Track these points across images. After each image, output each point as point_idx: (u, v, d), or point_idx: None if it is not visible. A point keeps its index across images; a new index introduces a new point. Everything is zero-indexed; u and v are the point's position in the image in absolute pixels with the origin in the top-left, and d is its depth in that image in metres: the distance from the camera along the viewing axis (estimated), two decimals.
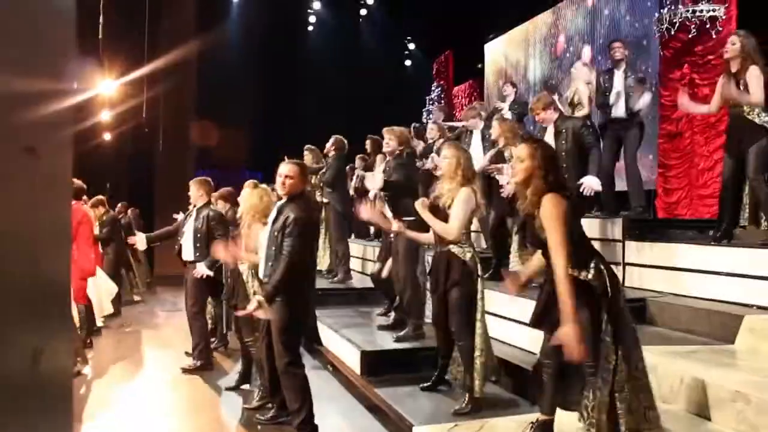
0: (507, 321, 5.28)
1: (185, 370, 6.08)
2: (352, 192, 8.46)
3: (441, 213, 4.27)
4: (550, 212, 2.99)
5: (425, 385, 4.60)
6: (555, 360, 3.20)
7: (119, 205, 12.41)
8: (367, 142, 8.73)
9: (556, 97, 6.69)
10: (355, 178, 8.97)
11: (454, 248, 4.25)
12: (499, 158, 6.04)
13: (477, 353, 4.18)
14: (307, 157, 8.50)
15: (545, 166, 3.11)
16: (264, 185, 5.42)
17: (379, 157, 8.71)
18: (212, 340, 6.99)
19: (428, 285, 4.53)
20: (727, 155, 5.27)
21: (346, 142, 8.11)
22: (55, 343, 0.84)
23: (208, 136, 15.02)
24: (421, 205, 4.30)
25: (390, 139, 5.74)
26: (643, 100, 6.34)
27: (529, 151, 3.15)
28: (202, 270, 5.99)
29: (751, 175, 5.01)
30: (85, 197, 7.93)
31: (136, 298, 11.40)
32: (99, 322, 8.00)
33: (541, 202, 3.02)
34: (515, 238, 5.77)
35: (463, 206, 4.24)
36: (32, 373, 0.78)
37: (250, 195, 5.08)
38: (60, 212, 0.91)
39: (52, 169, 0.93)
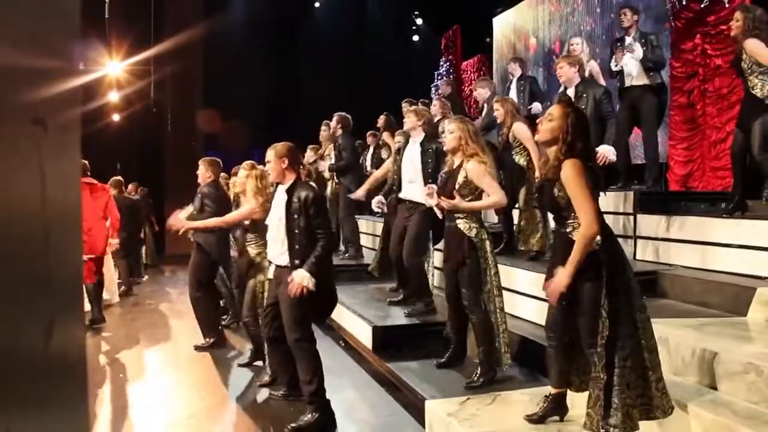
0: (517, 294, 5.29)
1: (198, 348, 6.15)
2: (369, 168, 8.46)
3: (448, 190, 4.26)
4: (572, 174, 2.98)
5: (440, 361, 4.61)
6: (558, 332, 3.22)
7: (130, 185, 12.48)
8: (381, 118, 8.70)
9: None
10: (369, 156, 8.97)
11: (460, 224, 4.24)
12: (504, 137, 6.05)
13: (502, 328, 4.21)
14: (308, 154, 8.59)
15: (574, 131, 3.07)
16: (261, 166, 5.43)
17: (386, 135, 8.69)
18: (224, 317, 7.06)
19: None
20: (738, 128, 5.25)
21: (350, 118, 8.04)
22: (68, 318, 0.85)
23: (215, 122, 15.00)
24: (436, 196, 4.26)
25: (407, 116, 5.79)
26: (625, 59, 6.30)
27: (562, 111, 3.12)
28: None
29: (756, 151, 4.98)
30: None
31: (144, 278, 11.46)
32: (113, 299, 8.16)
33: (562, 167, 3.01)
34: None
35: (488, 178, 4.24)
36: (46, 348, 0.79)
37: (250, 177, 5.11)
38: (69, 188, 0.91)
39: (61, 145, 0.93)
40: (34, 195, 0.82)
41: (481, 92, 7.34)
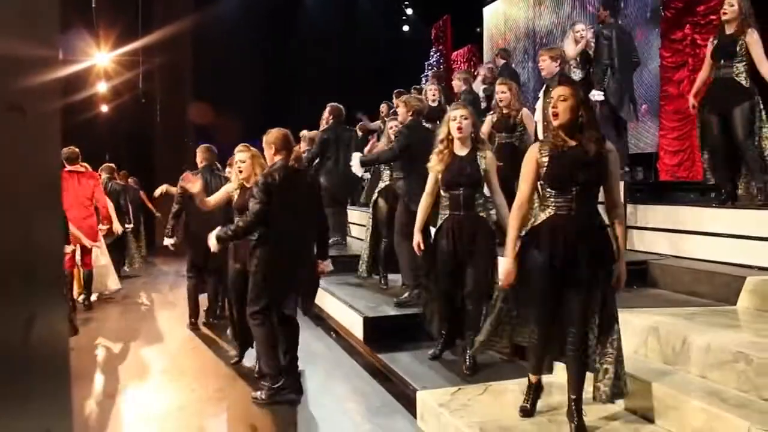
0: None
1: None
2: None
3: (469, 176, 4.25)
4: (616, 161, 3.23)
5: (432, 353, 4.59)
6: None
7: (120, 174, 12.37)
8: (382, 106, 8.68)
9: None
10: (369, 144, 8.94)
11: (482, 212, 4.21)
12: (501, 122, 6.03)
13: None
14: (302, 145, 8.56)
15: (587, 108, 3.26)
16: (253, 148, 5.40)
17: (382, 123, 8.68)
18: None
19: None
20: (711, 117, 5.22)
21: (342, 108, 7.99)
22: (49, 309, 0.83)
23: (205, 114, 14.92)
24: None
25: (398, 107, 5.80)
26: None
27: (571, 90, 3.20)
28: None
29: (741, 138, 5.01)
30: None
31: (126, 267, 11.29)
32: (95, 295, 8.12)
33: (612, 150, 3.18)
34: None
35: (495, 176, 4.26)
36: (26, 341, 0.77)
37: (254, 158, 5.07)
38: (50, 179, 0.89)
39: (41, 135, 0.91)
40: (13, 185, 0.80)
41: (457, 83, 7.59)
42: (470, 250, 4.15)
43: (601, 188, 3.23)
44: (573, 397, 3.16)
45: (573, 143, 3.15)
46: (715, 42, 5.21)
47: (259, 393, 4.37)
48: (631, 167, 6.54)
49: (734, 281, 4.31)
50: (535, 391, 3.44)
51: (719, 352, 3.25)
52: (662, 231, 5.49)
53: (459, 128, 4.15)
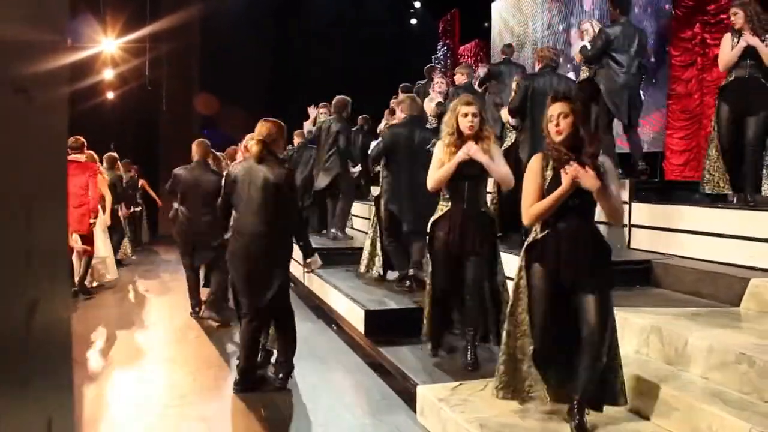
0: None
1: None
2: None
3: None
4: (611, 171, 3.24)
5: (431, 350, 4.55)
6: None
7: (121, 163, 12.38)
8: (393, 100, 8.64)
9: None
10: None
11: (485, 208, 4.28)
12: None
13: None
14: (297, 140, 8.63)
15: (585, 120, 3.30)
16: None
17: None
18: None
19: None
20: (733, 119, 5.19)
21: (349, 100, 7.97)
22: (52, 296, 0.82)
23: (211, 103, 14.92)
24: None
25: (397, 108, 6.07)
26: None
27: (570, 105, 3.22)
28: None
29: (753, 141, 5.02)
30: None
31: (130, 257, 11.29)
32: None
33: (607, 162, 3.22)
34: None
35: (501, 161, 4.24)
36: (28, 328, 0.76)
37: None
38: (54, 164, 0.88)
39: (47, 120, 0.90)
40: (19, 171, 0.79)
41: (459, 78, 7.55)
42: (471, 244, 4.12)
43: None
44: (576, 396, 3.15)
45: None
46: (736, 41, 5.12)
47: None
48: (635, 162, 6.49)
49: (738, 282, 4.29)
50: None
51: (722, 354, 3.24)
52: (666, 230, 5.47)
53: (470, 127, 4.10)
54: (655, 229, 5.60)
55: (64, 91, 0.95)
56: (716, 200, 5.44)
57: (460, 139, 4.13)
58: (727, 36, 5.20)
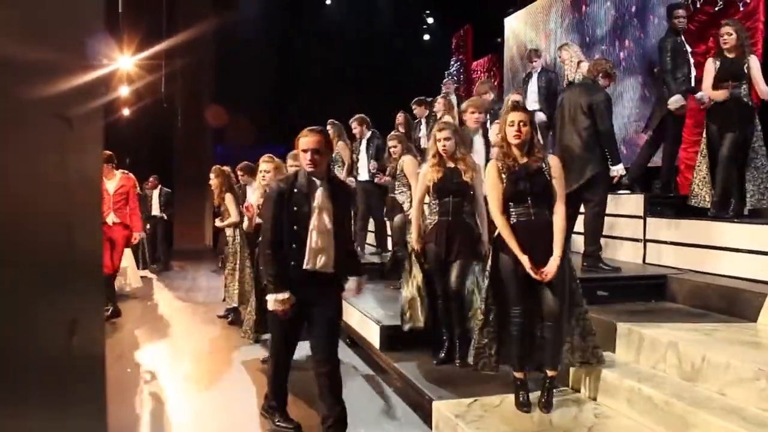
0: None
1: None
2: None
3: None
4: (561, 166, 3.77)
5: (439, 359, 4.72)
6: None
7: (152, 178, 12.52)
8: (399, 116, 8.57)
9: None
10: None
11: (468, 219, 4.63)
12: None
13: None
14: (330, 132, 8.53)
15: (536, 129, 3.91)
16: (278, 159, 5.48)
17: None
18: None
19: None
20: (729, 133, 5.44)
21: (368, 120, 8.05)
22: (89, 315, 0.84)
23: (225, 117, 15.03)
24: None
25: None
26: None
27: (527, 115, 3.76)
28: None
29: (726, 155, 5.38)
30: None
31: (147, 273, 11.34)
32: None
33: (551, 160, 3.76)
34: None
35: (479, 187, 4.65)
36: (68, 348, 0.79)
37: (277, 168, 5.22)
38: (91, 182, 0.90)
39: (83, 139, 0.93)
40: (57, 191, 0.82)
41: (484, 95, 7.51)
42: (457, 251, 4.58)
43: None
44: (549, 374, 3.68)
45: (524, 160, 3.71)
46: (718, 63, 5.51)
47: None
48: (650, 182, 6.48)
49: (755, 298, 4.26)
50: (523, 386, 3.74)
51: (739, 370, 3.22)
52: (682, 245, 5.45)
53: (444, 149, 4.60)
54: (671, 244, 5.58)
55: (99, 110, 0.98)
56: (698, 212, 5.66)
57: (441, 159, 4.64)
58: (710, 61, 5.63)
